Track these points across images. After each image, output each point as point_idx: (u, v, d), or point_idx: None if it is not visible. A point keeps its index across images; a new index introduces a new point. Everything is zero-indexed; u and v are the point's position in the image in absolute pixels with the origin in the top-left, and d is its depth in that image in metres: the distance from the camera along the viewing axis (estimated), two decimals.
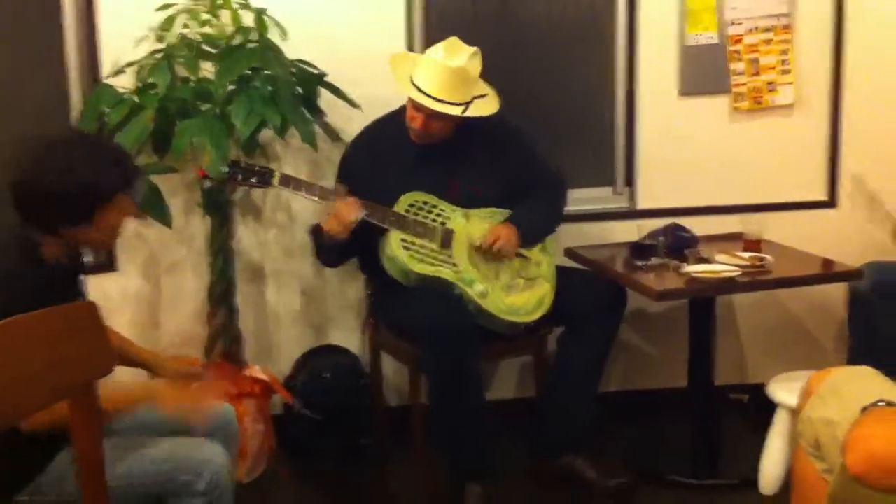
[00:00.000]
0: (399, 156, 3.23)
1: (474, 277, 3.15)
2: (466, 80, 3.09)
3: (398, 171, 3.21)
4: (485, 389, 3.26)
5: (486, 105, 3.19)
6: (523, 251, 3.28)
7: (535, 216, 3.33)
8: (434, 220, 3.18)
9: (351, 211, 3.07)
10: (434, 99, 3.05)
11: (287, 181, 3.10)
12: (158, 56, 3.23)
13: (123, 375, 3.16)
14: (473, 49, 3.10)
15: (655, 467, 3.39)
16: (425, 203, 3.19)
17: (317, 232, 3.24)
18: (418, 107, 3.10)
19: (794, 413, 2.29)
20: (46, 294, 2.06)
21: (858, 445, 1.67)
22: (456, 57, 3.06)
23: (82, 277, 2.47)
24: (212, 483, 2.23)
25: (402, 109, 3.27)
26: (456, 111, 3.08)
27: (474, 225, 3.24)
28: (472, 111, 3.12)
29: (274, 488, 3.40)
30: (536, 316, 3.24)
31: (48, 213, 2.20)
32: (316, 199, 3.12)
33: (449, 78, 3.05)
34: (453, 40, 3.11)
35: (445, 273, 3.11)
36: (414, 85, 3.08)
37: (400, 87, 3.12)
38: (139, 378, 2.79)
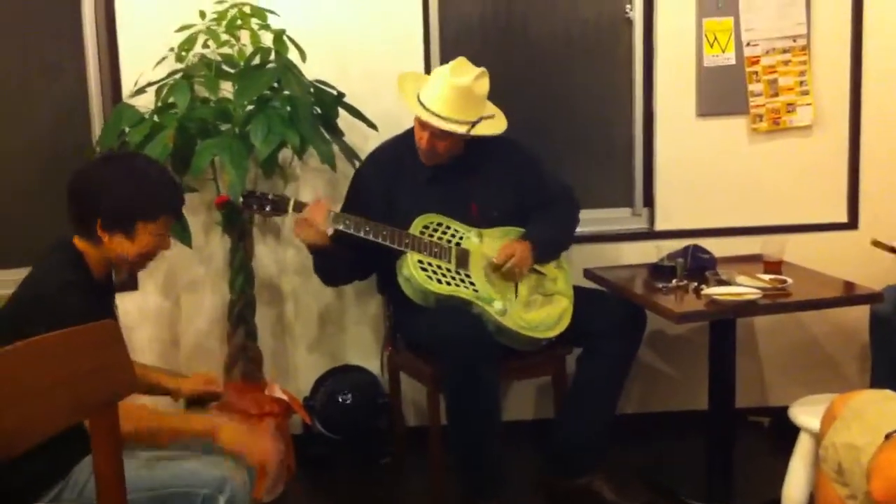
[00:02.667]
0: (412, 176, 3.24)
1: (492, 295, 3.15)
2: (472, 99, 3.10)
3: (412, 192, 3.22)
4: (503, 410, 3.24)
5: (493, 125, 3.19)
6: (538, 267, 3.27)
7: (549, 232, 3.33)
8: (449, 241, 3.19)
9: (319, 211, 3.05)
10: (439, 117, 3.06)
11: (301, 208, 3.10)
12: (178, 76, 3.25)
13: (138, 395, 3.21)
14: (480, 69, 3.11)
15: (675, 490, 3.36)
16: (439, 224, 3.19)
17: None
18: (424, 125, 3.11)
19: (817, 437, 2.27)
20: (97, 305, 2.10)
21: (883, 472, 1.66)
22: (462, 76, 3.07)
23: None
24: (232, 499, 2.23)
25: (413, 130, 3.27)
26: (460, 129, 3.08)
27: (488, 244, 3.24)
28: (478, 130, 3.13)
29: None
30: (557, 331, 3.23)
31: (97, 207, 2.28)
32: (331, 223, 3.11)
33: (454, 96, 3.06)
34: (461, 60, 3.12)
35: (464, 292, 3.11)
36: (420, 103, 3.10)
37: (407, 104, 3.13)
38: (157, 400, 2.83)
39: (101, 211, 2.29)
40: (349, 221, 3.07)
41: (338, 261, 3.20)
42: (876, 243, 3.42)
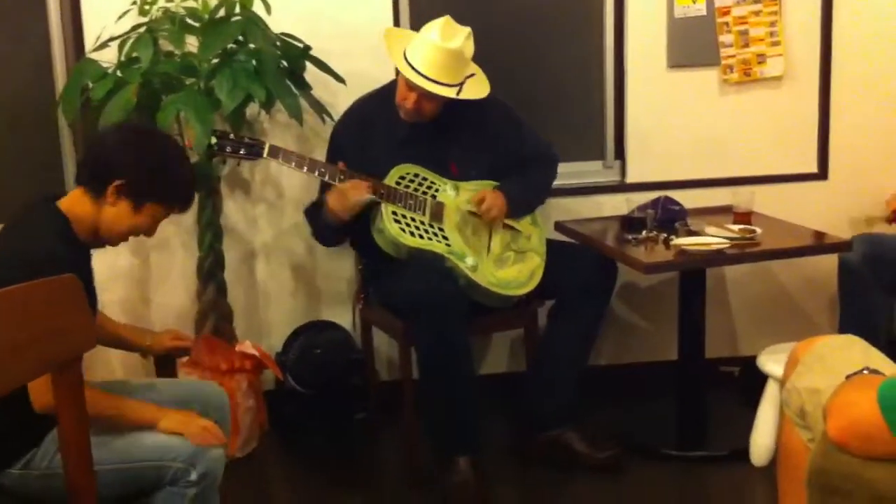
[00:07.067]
0: (390, 132, 3.21)
1: (465, 251, 3.14)
2: (461, 62, 3.08)
3: (388, 148, 3.19)
4: (475, 363, 3.26)
5: (479, 86, 3.18)
6: (513, 223, 3.27)
7: (524, 187, 3.32)
8: (424, 193, 3.17)
9: (358, 191, 3.05)
10: (429, 80, 3.04)
11: (276, 153, 3.07)
12: (142, 30, 3.20)
13: (108, 354, 3.21)
14: (468, 30, 3.08)
15: (645, 440, 3.39)
16: (416, 175, 3.18)
17: (312, 210, 3.25)
18: (412, 86, 3.08)
19: (782, 383, 2.29)
20: (84, 273, 2.05)
21: (839, 412, 1.66)
22: (453, 39, 3.04)
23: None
24: (205, 473, 2.19)
25: (391, 85, 3.24)
26: (451, 93, 3.07)
27: (464, 198, 3.23)
28: (465, 93, 3.11)
29: (266, 463, 3.40)
30: (528, 289, 3.23)
31: (124, 172, 2.23)
32: (305, 171, 3.10)
33: (445, 59, 3.03)
34: (448, 20, 3.08)
35: (436, 246, 3.11)
36: (409, 64, 3.06)
37: (396, 64, 3.09)
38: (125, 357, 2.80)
39: (127, 176, 2.23)
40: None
41: (346, 225, 3.18)
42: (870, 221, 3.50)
